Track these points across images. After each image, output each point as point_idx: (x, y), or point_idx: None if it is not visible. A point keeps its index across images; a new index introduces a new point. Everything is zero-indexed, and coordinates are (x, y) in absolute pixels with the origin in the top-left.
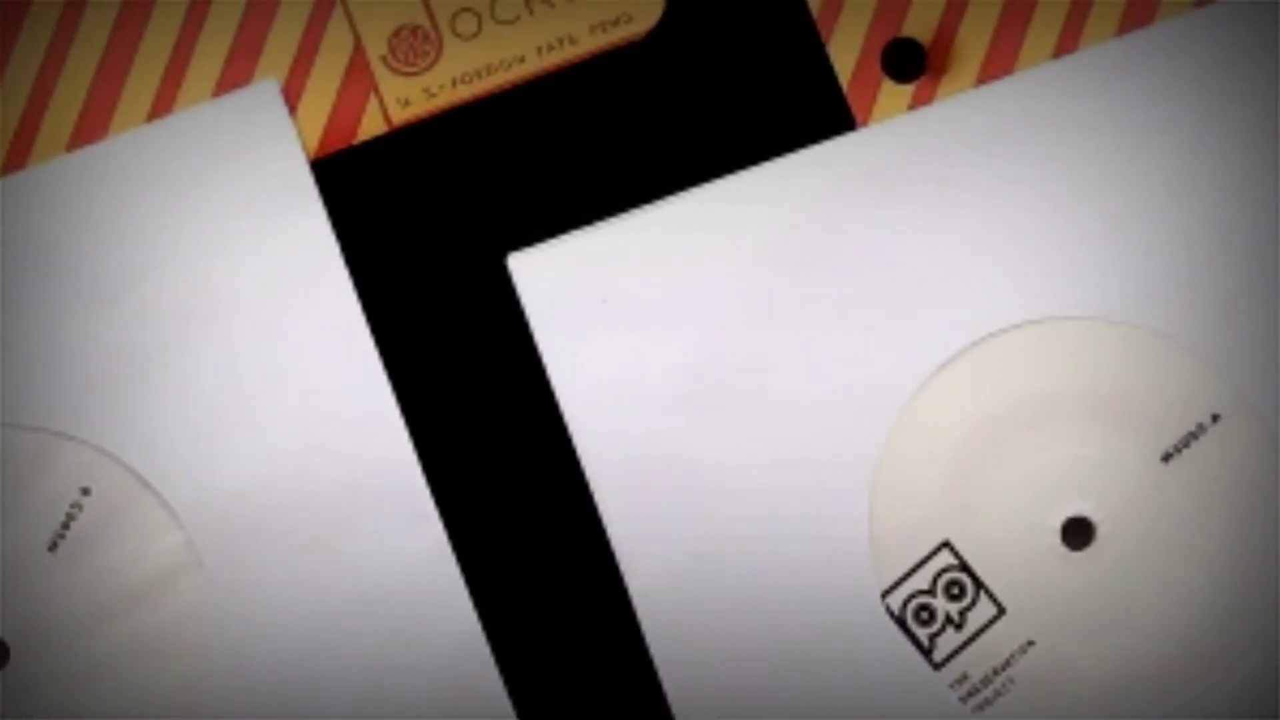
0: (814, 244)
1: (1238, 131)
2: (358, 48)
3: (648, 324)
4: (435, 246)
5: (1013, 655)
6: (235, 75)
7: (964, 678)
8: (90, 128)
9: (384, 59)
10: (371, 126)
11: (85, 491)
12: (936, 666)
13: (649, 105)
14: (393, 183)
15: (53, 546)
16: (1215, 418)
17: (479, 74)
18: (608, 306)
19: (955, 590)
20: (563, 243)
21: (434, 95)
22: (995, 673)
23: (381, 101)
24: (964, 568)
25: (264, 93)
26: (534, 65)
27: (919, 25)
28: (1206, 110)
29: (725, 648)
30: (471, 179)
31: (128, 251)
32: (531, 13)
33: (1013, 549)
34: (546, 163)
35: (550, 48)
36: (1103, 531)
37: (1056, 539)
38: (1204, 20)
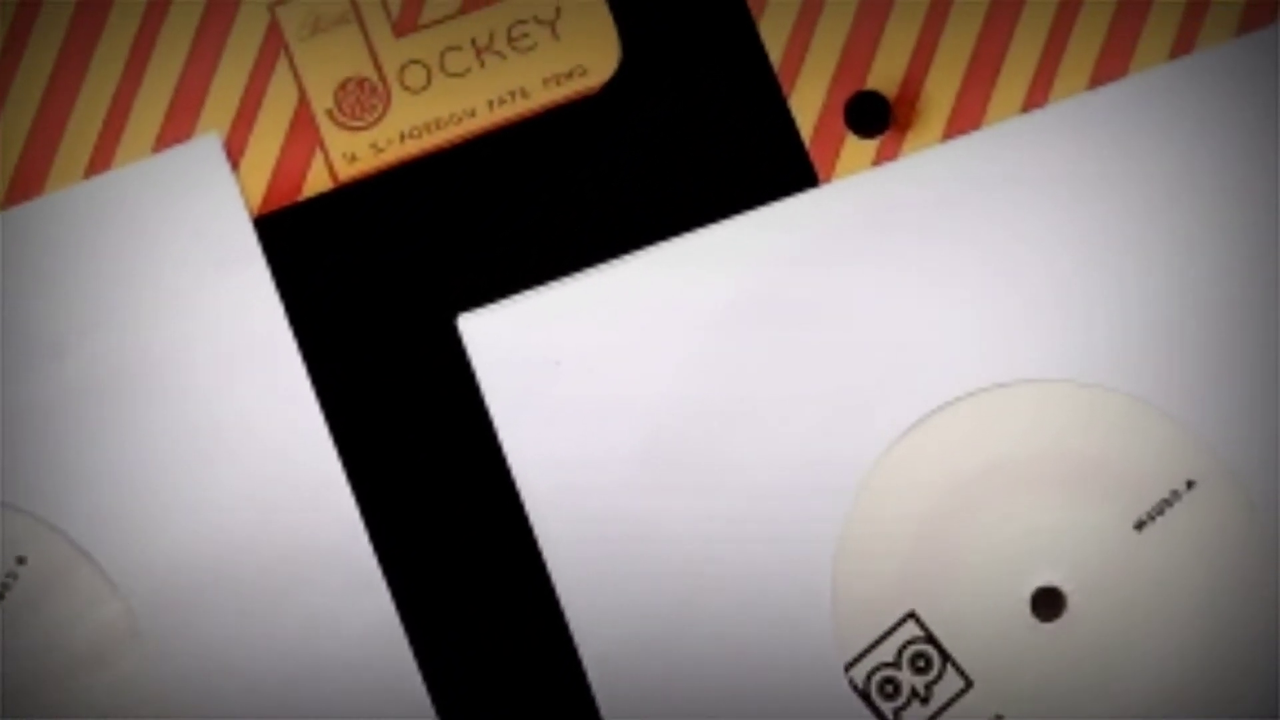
0: (774, 305)
1: (1213, 187)
2: (302, 101)
3: (603, 388)
4: (383, 307)
5: None
6: (176, 129)
7: None
8: (25, 184)
9: (330, 113)
10: (317, 182)
11: (21, 561)
12: None
13: (604, 160)
14: (339, 240)
15: None
16: (1190, 484)
17: (428, 128)
18: (561, 369)
19: (921, 663)
20: (515, 303)
21: (381, 150)
22: None
23: (327, 156)
24: (930, 639)
25: (205, 148)
26: (485, 119)
27: (883, 78)
28: (1181, 165)
29: None
30: (420, 237)
31: (64, 313)
32: (482, 65)
33: (981, 620)
34: (498, 220)
35: (502, 101)
36: (1074, 602)
37: (1026, 609)
38: (1179, 73)
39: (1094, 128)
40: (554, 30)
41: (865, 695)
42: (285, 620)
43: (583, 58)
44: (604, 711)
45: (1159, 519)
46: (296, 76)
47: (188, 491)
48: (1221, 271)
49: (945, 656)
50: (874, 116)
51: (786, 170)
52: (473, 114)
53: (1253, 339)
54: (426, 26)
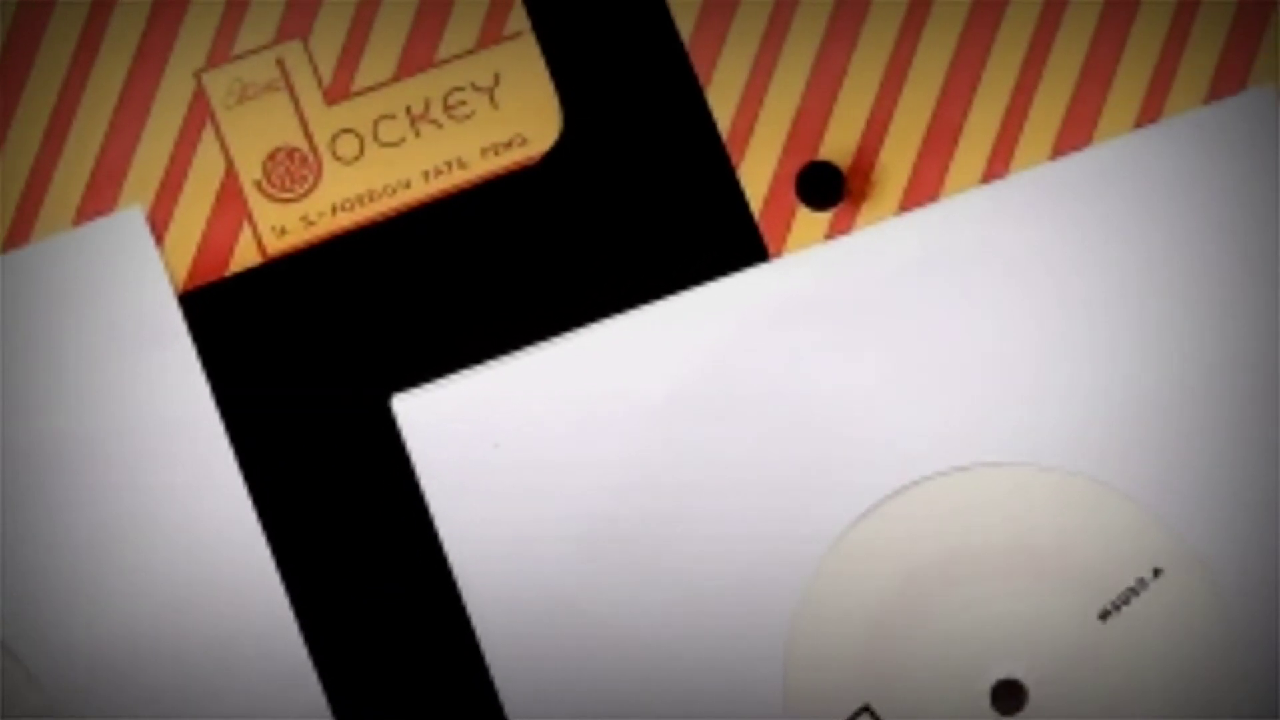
0: (723, 384)
1: (1181, 261)
2: (230, 172)
3: (543, 472)
4: (314, 386)
5: None
6: (97, 201)
7: None
8: None
9: (258, 184)
10: (245, 257)
11: None
12: None
13: (544, 234)
14: (268, 318)
15: None
16: (1157, 572)
17: (361, 200)
18: (500, 452)
19: None
20: (451, 383)
21: (312, 223)
22: None
23: (256, 230)
24: None
25: (128, 221)
26: (420, 191)
27: (837, 148)
28: (1148, 239)
29: None
30: (353, 313)
31: None
32: (418, 134)
33: (939, 713)
34: (434, 296)
35: (438, 172)
36: (1036, 695)
37: (986, 702)
38: (1146, 142)
39: (1057, 199)
40: (492, 98)
41: None
42: (213, 713)
43: (522, 126)
44: None
45: (1124, 609)
46: (223, 146)
47: (110, 580)
48: (1189, 351)
49: None
50: (827, 188)
51: (735, 244)
52: (408, 185)
53: (1220, 420)
54: (359, 94)
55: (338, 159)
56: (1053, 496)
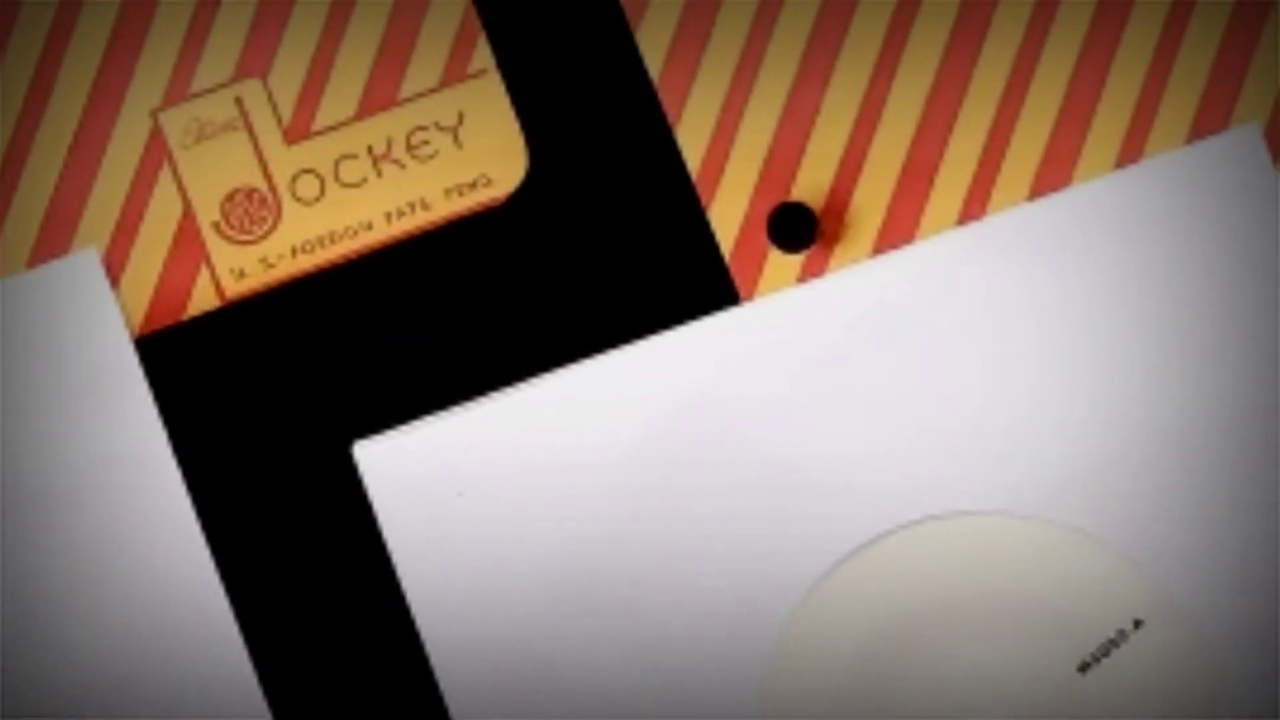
0: (693, 431)
1: (1163, 305)
2: (187, 213)
3: (509, 521)
4: (274, 433)
5: None
6: (52, 243)
7: None
8: None
9: (216, 226)
10: (203, 300)
11: None
12: None
13: (510, 277)
14: (227, 362)
15: None
16: (1137, 623)
17: (321, 242)
18: (464, 501)
19: None
20: (414, 430)
21: (272, 266)
22: None
23: (214, 273)
24: None
25: (83, 263)
26: (383, 232)
27: (809, 189)
28: (1128, 281)
29: None
30: (313, 358)
31: None
32: (380, 175)
33: None
34: (397, 340)
35: (401, 213)
36: None
37: None
38: (1127, 182)
39: (1036, 241)
40: (456, 137)
41: None
42: None
43: (487, 167)
44: None
45: (1104, 660)
46: (181, 187)
47: (66, 624)
48: (1170, 397)
49: None
50: (799, 229)
51: (705, 287)
52: (369, 227)
53: (1202, 467)
54: (320, 133)
55: (298, 200)
56: (1029, 545)
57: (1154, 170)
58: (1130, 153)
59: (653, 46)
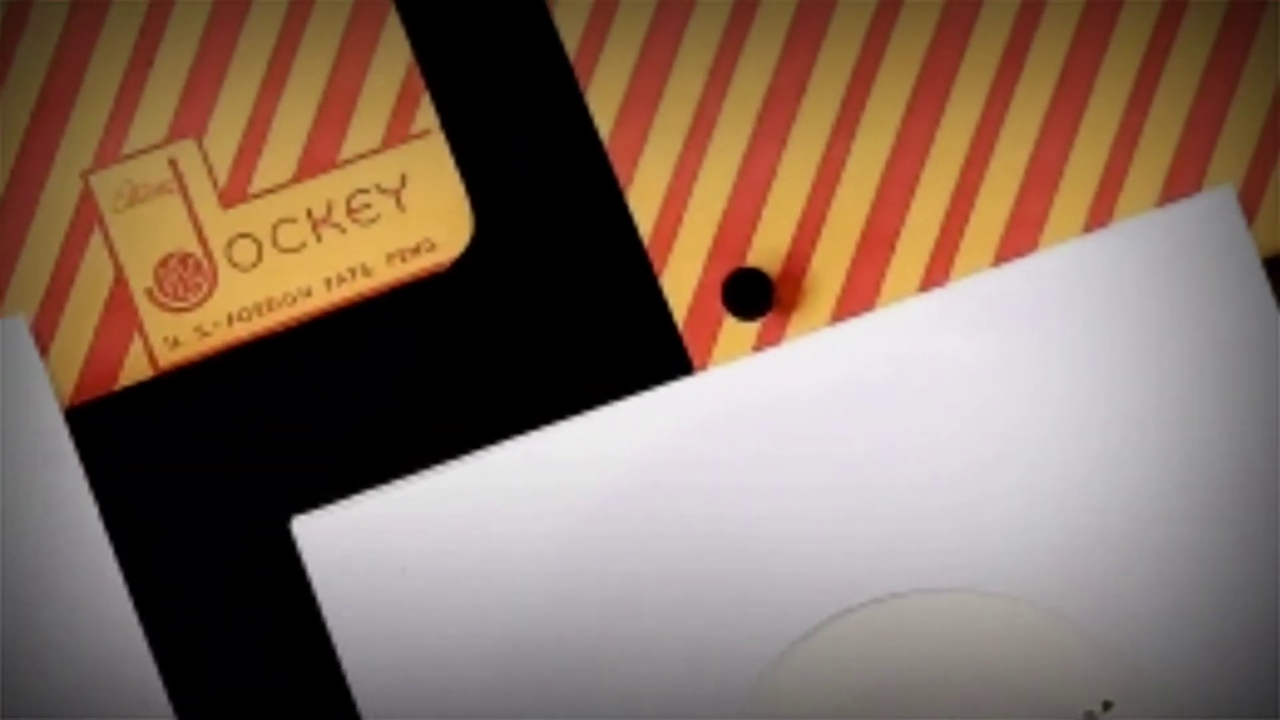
0: (645, 506)
1: (1130, 377)
2: (119, 279)
3: (454, 599)
4: (210, 507)
5: None
6: None
7: None
8: None
9: (149, 292)
10: (135, 369)
11: None
12: None
13: (455, 345)
14: (160, 433)
15: None
16: (1107, 705)
17: (259, 309)
18: (408, 577)
19: None
20: (355, 504)
21: (207, 334)
22: None
23: (147, 341)
24: None
25: (11, 331)
26: (322, 299)
27: (766, 254)
28: (1096, 350)
29: None
30: (250, 430)
31: None
32: (319, 239)
33: None
34: (337, 411)
35: (341, 279)
36: None
37: None
38: (1095, 247)
39: (1001, 309)
40: (399, 200)
41: None
42: None
43: (431, 231)
44: None
45: None
46: (112, 252)
47: None
48: (1139, 470)
49: None
50: (755, 296)
51: (658, 356)
52: (308, 293)
53: (1172, 543)
54: (257, 196)
55: (234, 265)
56: (994, 624)
57: (1125, 234)
58: (1100, 216)
59: (603, 106)
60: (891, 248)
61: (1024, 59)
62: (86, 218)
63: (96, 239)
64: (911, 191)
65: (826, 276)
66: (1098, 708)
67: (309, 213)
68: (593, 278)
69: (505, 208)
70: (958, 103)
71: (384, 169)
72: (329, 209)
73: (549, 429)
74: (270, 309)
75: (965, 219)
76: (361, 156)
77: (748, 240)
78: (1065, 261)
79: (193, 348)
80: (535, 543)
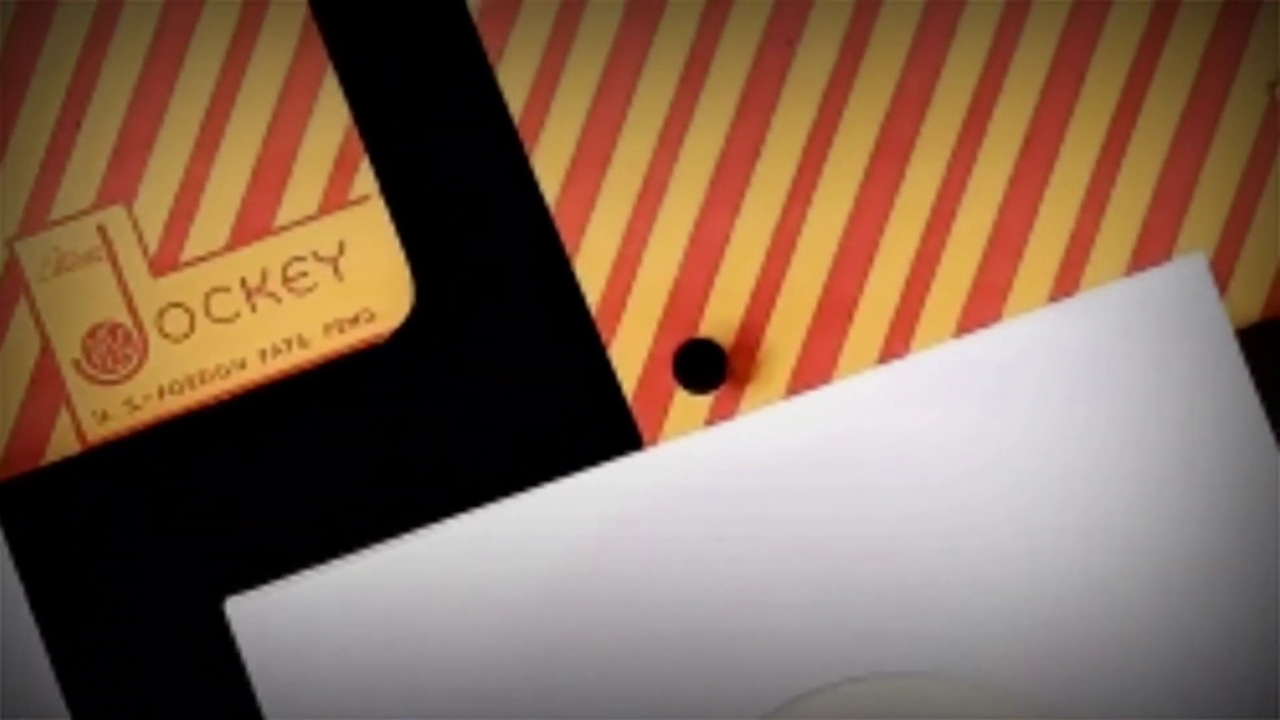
0: (592, 587)
1: (1096, 454)
2: (45, 350)
3: (395, 683)
4: (140, 587)
5: None
6: None
7: None
8: None
9: (77, 364)
10: (62, 444)
11: None
12: None
13: (395, 420)
14: (88, 511)
15: None
16: None
17: (191, 382)
18: (347, 661)
19: None
20: (292, 584)
21: (137, 408)
22: None
23: (74, 415)
24: None
25: None
26: (257, 371)
27: (718, 324)
28: (1060, 427)
29: None
30: (183, 507)
31: None
32: (254, 309)
33: None
34: (273, 488)
35: (277, 351)
36: None
37: None
38: (1061, 317)
39: (963, 381)
40: (336, 269)
41: None
42: None
43: (370, 300)
44: None
45: None
46: (39, 322)
47: None
48: (1105, 549)
49: None
50: (707, 368)
51: (606, 430)
52: (242, 365)
53: (1141, 625)
54: (189, 264)
55: (165, 336)
56: (958, 710)
57: (1092, 304)
58: (1066, 285)
59: (549, 169)
60: (849, 318)
61: (987, 121)
62: (12, 287)
63: (22, 309)
64: (870, 259)
65: (782, 348)
66: None
67: (243, 281)
68: (538, 349)
69: (447, 276)
70: (918, 166)
71: (321, 236)
72: (264, 277)
73: (493, 506)
74: (203, 381)
75: (926, 288)
76: (298, 223)
77: (700, 310)
78: (1030, 332)
79: (122, 422)
80: (477, 623)
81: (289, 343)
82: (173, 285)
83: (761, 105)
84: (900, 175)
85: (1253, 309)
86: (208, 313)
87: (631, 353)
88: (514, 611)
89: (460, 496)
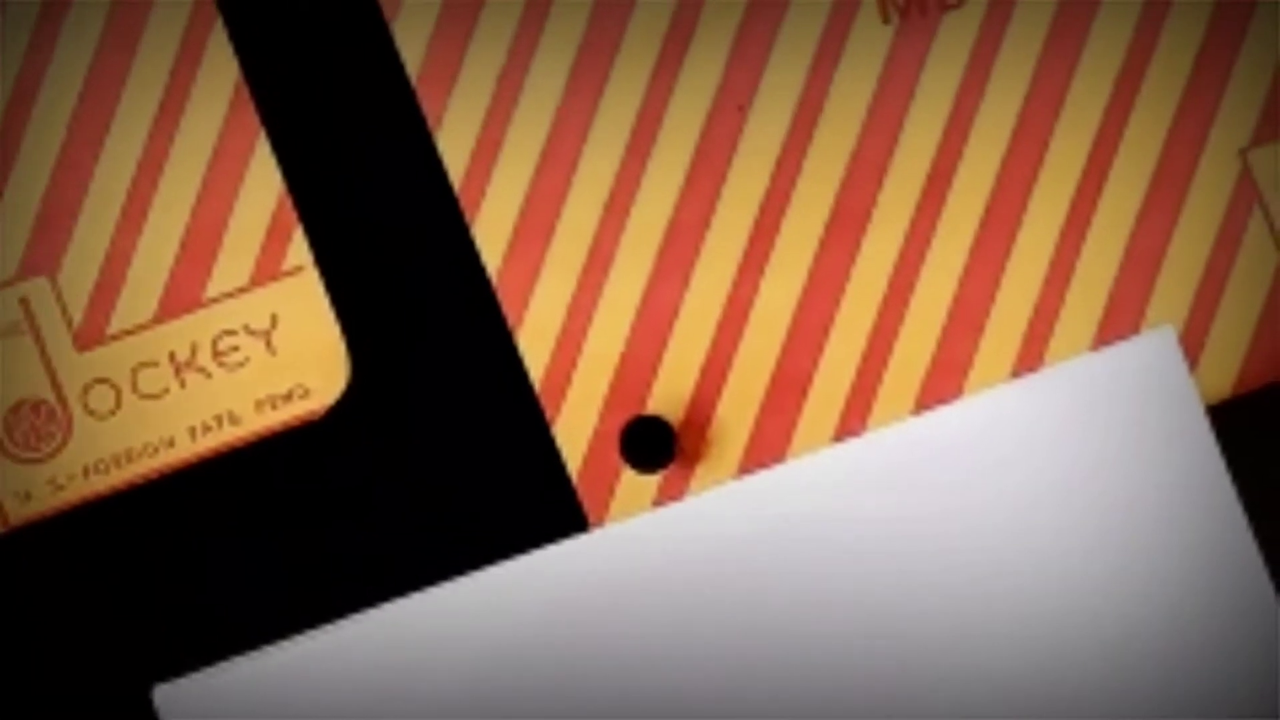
0: (534, 673)
1: (1060, 533)
2: None
3: None
4: (65, 675)
5: None
6: None
7: None
8: None
9: None
10: None
11: None
12: None
13: (329, 500)
14: (9, 596)
15: None
16: None
17: (117, 461)
18: None
19: None
20: (222, 671)
21: (61, 487)
22: None
23: None
24: None
25: None
26: (186, 450)
27: (667, 401)
28: (1022, 507)
29: None
30: (109, 591)
31: None
32: (183, 385)
33: None
34: (202, 571)
35: (207, 428)
36: None
37: None
38: (1022, 394)
39: (921, 460)
40: (269, 343)
41: None
42: None
43: (304, 376)
44: None
45: None
46: None
47: None
48: (1075, 632)
49: None
50: (655, 447)
51: (550, 511)
52: (171, 444)
53: (1119, 705)
54: (115, 338)
55: (90, 413)
56: None
57: (1057, 379)
58: (1030, 359)
59: (491, 240)
60: (803, 394)
61: (947, 189)
62: None
63: None
64: (825, 333)
65: (733, 425)
66: None
67: (172, 356)
68: (480, 426)
69: (384, 351)
70: (875, 236)
71: (253, 309)
72: (193, 352)
73: (431, 590)
74: (129, 460)
75: (884, 363)
76: (229, 295)
77: (648, 386)
78: (992, 409)
79: (45, 502)
80: (414, 709)
81: (219, 420)
82: (98, 360)
83: (712, 173)
84: (856, 246)
85: (1224, 384)
86: (135, 389)
87: (576, 430)
88: (452, 700)
89: (398, 580)
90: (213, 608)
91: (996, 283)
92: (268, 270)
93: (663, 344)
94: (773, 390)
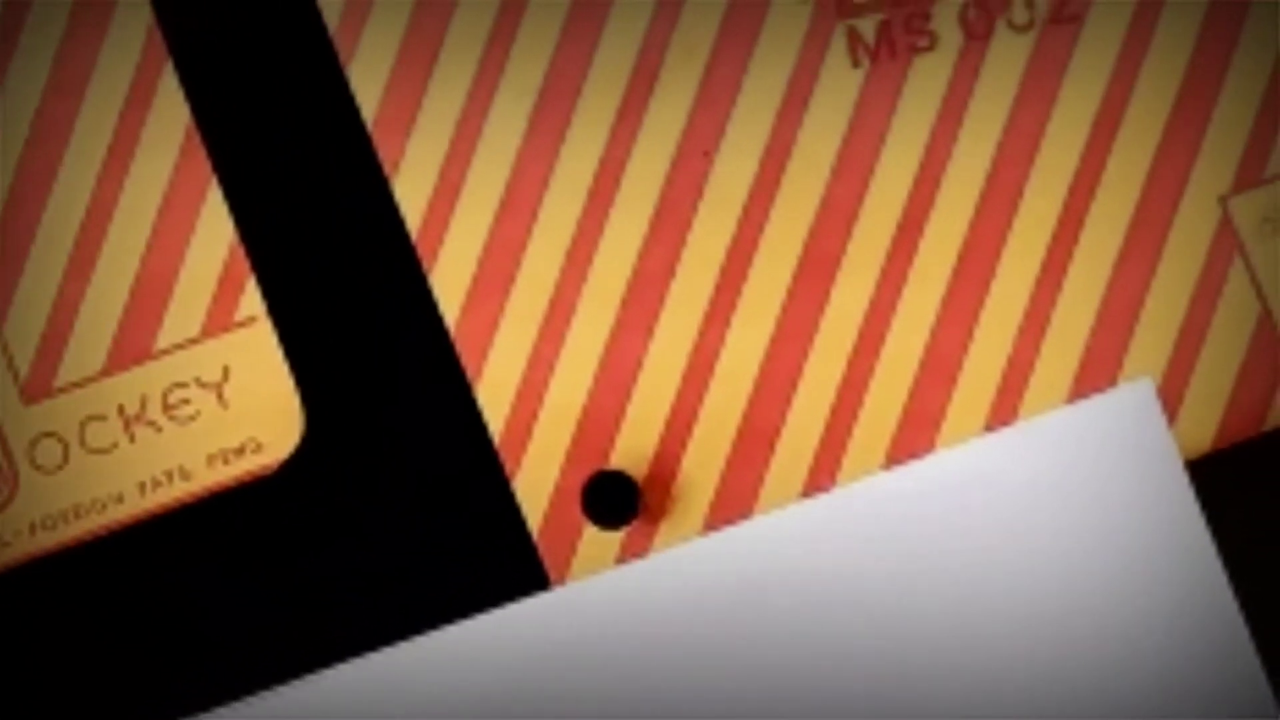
0: None
1: (1033, 591)
2: None
3: None
4: None
5: None
6: None
7: None
8: None
9: None
10: None
11: None
12: None
13: (282, 557)
14: None
15: None
16: None
17: (65, 517)
18: None
19: None
20: None
21: (7, 544)
22: None
23: None
24: None
25: None
26: (136, 506)
27: (630, 455)
28: (996, 565)
29: None
30: (55, 651)
31: None
32: (132, 440)
33: None
34: (151, 632)
35: (157, 483)
36: None
37: None
38: (995, 448)
39: (893, 515)
40: (220, 396)
41: None
42: None
43: (257, 430)
44: None
45: None
46: None
47: None
48: (1048, 690)
49: None
50: (618, 502)
51: (510, 568)
52: (120, 500)
53: None
54: (63, 391)
55: (37, 468)
56: None
57: (1032, 433)
58: (1004, 412)
59: (449, 290)
60: (771, 448)
61: (918, 237)
62: None
63: None
64: (793, 385)
65: (699, 480)
66: None
67: (120, 409)
68: (437, 482)
69: (340, 404)
70: (844, 286)
71: (204, 361)
72: (143, 405)
73: (386, 650)
74: (77, 516)
75: (853, 416)
76: (179, 346)
77: (610, 439)
78: (965, 463)
79: None
80: None
81: (170, 475)
82: (45, 413)
83: (676, 220)
84: (825, 295)
85: (1204, 438)
86: (83, 443)
87: (537, 485)
88: None
89: (353, 639)
90: (163, 668)
91: (970, 333)
92: (219, 321)
93: (626, 396)
94: (739, 444)
